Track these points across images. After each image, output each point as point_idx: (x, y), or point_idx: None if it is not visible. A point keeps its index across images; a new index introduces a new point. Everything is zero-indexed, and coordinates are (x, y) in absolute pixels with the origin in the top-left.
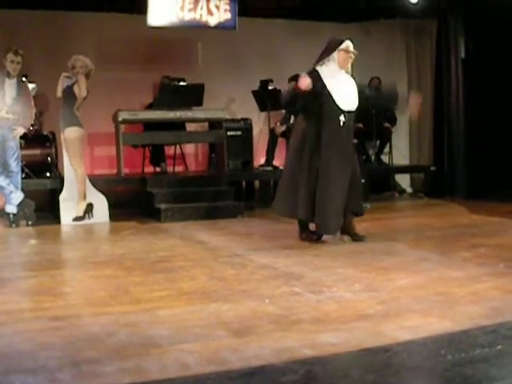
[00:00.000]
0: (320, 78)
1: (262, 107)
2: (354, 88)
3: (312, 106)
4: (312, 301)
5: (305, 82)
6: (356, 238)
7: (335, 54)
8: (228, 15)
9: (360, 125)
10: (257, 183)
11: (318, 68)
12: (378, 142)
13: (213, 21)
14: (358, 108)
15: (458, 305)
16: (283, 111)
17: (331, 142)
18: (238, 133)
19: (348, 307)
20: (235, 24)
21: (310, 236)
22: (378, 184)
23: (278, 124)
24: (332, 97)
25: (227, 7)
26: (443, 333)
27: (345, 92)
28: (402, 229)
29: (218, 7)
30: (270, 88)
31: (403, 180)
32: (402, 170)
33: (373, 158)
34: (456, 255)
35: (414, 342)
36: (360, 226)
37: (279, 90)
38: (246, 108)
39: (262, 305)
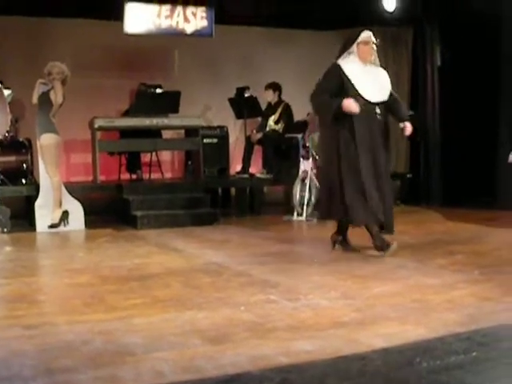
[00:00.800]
0: (343, 71)
1: (239, 115)
2: (383, 78)
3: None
4: (288, 308)
5: (355, 108)
6: (346, 246)
7: (354, 47)
8: (205, 22)
9: None
10: (233, 191)
11: (340, 62)
12: None
13: (189, 28)
14: None
15: (433, 312)
16: (259, 119)
17: (363, 138)
18: (215, 140)
19: (324, 315)
20: (212, 31)
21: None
22: None
23: (255, 131)
24: (357, 89)
25: (204, 14)
26: (418, 340)
27: (371, 83)
28: None
29: (194, 14)
30: (246, 95)
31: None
32: None
33: None
34: (432, 262)
35: (390, 350)
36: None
37: (255, 98)
38: (223, 115)
39: (237, 312)
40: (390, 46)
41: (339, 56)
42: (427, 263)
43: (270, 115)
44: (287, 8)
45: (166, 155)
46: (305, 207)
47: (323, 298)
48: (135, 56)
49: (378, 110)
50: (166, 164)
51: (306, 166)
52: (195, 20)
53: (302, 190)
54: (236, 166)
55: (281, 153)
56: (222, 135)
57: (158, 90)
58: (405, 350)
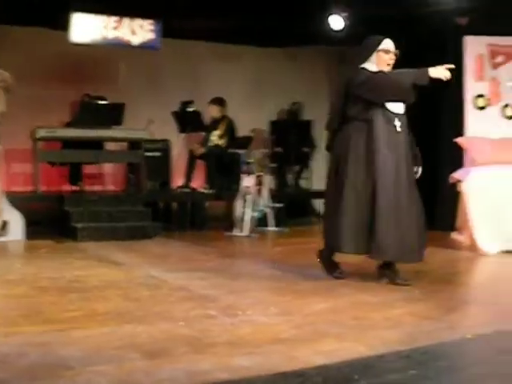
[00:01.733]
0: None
1: (182, 129)
2: None
3: (360, 114)
4: (226, 324)
5: (446, 74)
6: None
7: (374, 56)
8: (152, 35)
9: (279, 149)
10: (175, 205)
11: (366, 66)
12: (297, 167)
13: (136, 40)
14: (278, 132)
15: (372, 330)
16: (203, 133)
17: (386, 152)
18: (157, 153)
19: (263, 331)
20: (159, 44)
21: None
22: (297, 208)
23: (197, 145)
24: None
25: (151, 27)
26: (357, 357)
27: None
28: None
29: (141, 27)
30: (190, 110)
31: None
32: (321, 194)
33: (292, 182)
34: (372, 281)
35: (329, 367)
36: (275, 250)
37: (199, 112)
38: (166, 129)
39: (176, 327)
40: (336, 65)
41: (357, 63)
42: (368, 281)
43: (214, 130)
44: (234, 24)
45: (108, 167)
46: (245, 223)
47: (262, 313)
48: (80, 67)
49: (397, 122)
50: (108, 176)
51: (247, 181)
52: (142, 32)
53: (243, 206)
54: (178, 180)
55: (223, 168)
56: (165, 149)
57: (102, 102)
58: (343, 367)
